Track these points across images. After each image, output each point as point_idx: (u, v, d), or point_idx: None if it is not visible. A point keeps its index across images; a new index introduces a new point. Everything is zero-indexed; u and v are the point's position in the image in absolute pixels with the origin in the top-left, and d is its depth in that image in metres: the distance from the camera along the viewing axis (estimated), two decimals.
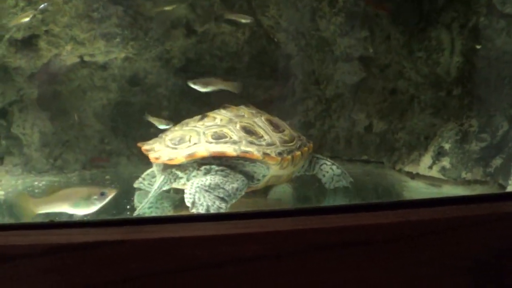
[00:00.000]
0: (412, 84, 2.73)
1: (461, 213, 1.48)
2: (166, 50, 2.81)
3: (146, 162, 2.53)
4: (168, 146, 2.19)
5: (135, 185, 2.39)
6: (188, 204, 2.02)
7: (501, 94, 2.51)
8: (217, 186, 2.10)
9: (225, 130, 2.22)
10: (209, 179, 2.10)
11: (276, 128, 2.29)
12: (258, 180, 2.23)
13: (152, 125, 2.76)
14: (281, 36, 2.91)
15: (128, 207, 2.16)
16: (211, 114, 2.31)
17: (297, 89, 2.91)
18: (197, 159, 2.15)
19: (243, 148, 2.16)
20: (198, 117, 2.31)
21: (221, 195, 2.08)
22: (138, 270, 1.19)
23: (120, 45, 2.72)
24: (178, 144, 2.18)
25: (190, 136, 2.19)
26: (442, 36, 2.64)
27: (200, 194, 2.04)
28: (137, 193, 2.36)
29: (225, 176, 2.14)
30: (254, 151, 2.16)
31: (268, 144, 2.21)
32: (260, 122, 2.30)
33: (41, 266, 1.17)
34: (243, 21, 2.75)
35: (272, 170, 2.21)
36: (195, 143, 2.17)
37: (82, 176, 2.66)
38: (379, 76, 2.79)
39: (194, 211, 1.99)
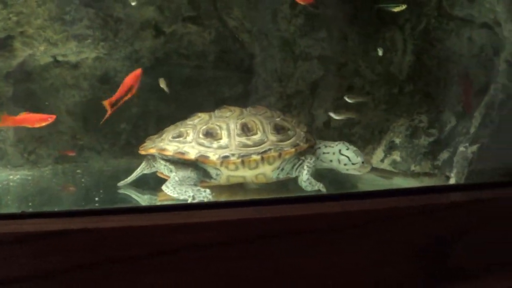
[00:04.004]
0: (367, 82, 2.86)
1: (403, 203, 1.60)
2: (135, 50, 2.90)
3: (114, 157, 2.66)
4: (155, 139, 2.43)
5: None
6: (181, 197, 2.19)
7: (449, 92, 2.64)
8: (184, 178, 2.28)
9: (189, 130, 2.39)
10: (175, 176, 2.30)
11: (245, 132, 2.36)
12: (213, 178, 2.37)
13: (123, 121, 2.88)
14: (245, 36, 3.01)
15: (96, 199, 2.25)
16: (201, 114, 2.47)
17: (260, 86, 3.01)
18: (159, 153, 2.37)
19: (183, 149, 2.33)
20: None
21: (192, 182, 2.27)
22: (102, 256, 1.29)
23: (91, 45, 2.81)
24: (158, 137, 2.42)
25: (167, 133, 2.41)
26: (395, 37, 2.77)
27: (178, 188, 2.23)
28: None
29: (180, 169, 2.34)
30: (191, 152, 2.33)
31: (220, 147, 2.33)
32: (232, 124, 2.38)
33: (13, 253, 1.26)
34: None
35: (224, 170, 2.35)
36: (162, 139, 2.38)
37: (54, 170, 2.75)
38: (336, 74, 2.91)
39: (190, 200, 2.14)
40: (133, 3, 2.72)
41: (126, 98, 2.54)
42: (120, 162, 2.65)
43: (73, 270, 1.28)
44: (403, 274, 1.53)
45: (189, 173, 2.31)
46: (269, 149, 2.34)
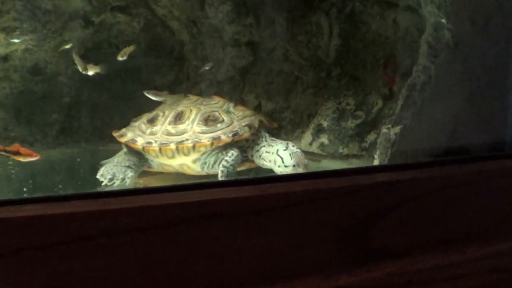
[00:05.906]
0: (296, 66, 2.90)
1: (324, 185, 1.63)
2: (65, 41, 2.89)
3: (46, 147, 2.67)
4: None
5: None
6: (98, 176, 2.26)
7: (376, 74, 2.69)
8: (124, 160, 2.35)
9: (144, 117, 2.47)
10: (114, 158, 2.39)
11: (176, 120, 2.37)
12: (150, 164, 2.42)
13: (55, 111, 2.88)
14: (175, 24, 3.03)
15: (25, 189, 2.28)
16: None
17: (191, 73, 3.05)
18: None
19: (121, 132, 2.43)
20: None
21: (127, 164, 2.33)
22: (18, 245, 1.29)
23: (20, 37, 2.81)
24: None
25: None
26: (321, 21, 2.81)
27: (106, 172, 2.28)
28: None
29: (126, 152, 2.41)
30: (127, 135, 2.40)
31: (151, 134, 2.37)
32: (172, 112, 2.41)
33: None
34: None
35: (149, 157, 2.40)
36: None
37: None
38: (266, 59, 2.95)
39: (105, 182, 2.22)
40: None
41: None
42: (52, 152, 2.65)
43: None
44: (326, 257, 1.55)
45: (127, 157, 2.38)
46: (186, 140, 2.31)
